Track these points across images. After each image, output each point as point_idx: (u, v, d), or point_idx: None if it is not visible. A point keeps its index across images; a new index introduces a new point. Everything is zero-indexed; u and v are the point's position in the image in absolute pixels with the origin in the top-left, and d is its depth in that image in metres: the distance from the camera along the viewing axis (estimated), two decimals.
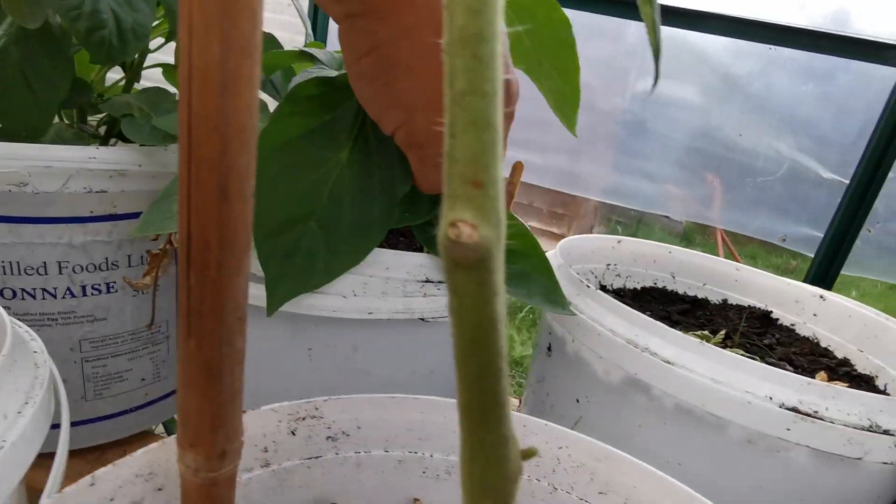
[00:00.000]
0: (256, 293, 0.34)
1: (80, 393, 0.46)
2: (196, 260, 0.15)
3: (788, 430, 0.27)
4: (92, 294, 0.43)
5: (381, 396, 0.25)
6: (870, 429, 0.26)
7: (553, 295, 0.32)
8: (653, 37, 0.31)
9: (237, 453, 0.18)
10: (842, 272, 0.78)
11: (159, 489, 0.20)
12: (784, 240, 0.80)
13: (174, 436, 0.21)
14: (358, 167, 0.30)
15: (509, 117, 0.31)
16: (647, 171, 0.86)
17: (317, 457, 0.25)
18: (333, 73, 0.36)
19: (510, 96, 0.28)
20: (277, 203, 0.29)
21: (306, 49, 0.40)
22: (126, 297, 0.45)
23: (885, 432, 0.27)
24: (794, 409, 0.27)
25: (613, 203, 0.89)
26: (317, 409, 0.24)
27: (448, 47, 0.10)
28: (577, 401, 0.36)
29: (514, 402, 0.63)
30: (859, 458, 0.27)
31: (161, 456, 0.20)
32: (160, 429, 0.63)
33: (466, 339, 0.12)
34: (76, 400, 0.46)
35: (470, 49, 0.09)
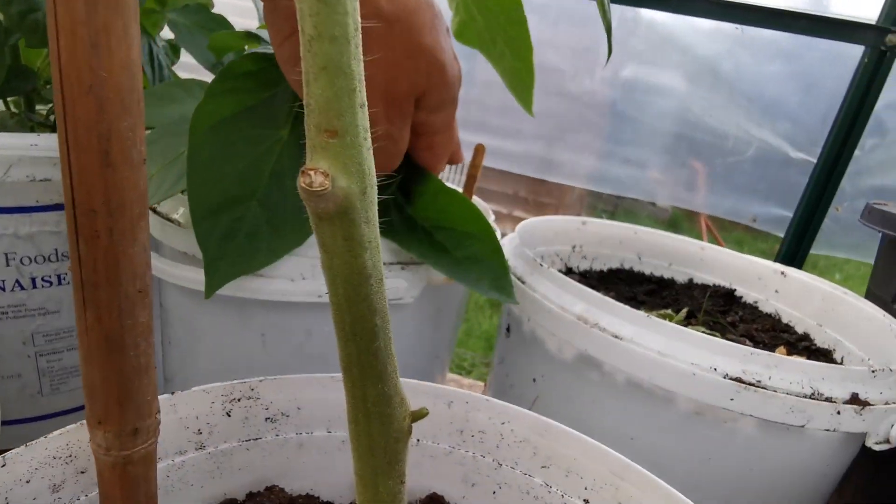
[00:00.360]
0: (201, 277, 0.33)
1: (35, 388, 0.45)
2: (83, 227, 0.14)
3: (732, 400, 0.27)
4: (42, 286, 0.42)
5: (321, 376, 0.25)
6: (812, 396, 0.26)
7: (501, 281, 0.32)
8: (604, 16, 0.31)
9: (151, 431, 0.17)
10: (811, 252, 0.78)
11: (81, 472, 0.19)
12: (755, 220, 0.80)
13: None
14: (299, 145, 0.29)
15: (452, 102, 0.31)
16: (624, 156, 0.86)
17: (256, 438, 0.24)
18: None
19: (446, 81, 0.28)
20: (215, 183, 0.28)
21: (254, 31, 0.39)
22: None
23: (827, 399, 0.27)
24: (738, 380, 0.27)
25: (593, 189, 0.89)
26: (252, 389, 0.24)
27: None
28: (534, 380, 0.36)
29: (480, 384, 0.62)
30: (802, 426, 0.27)
31: (81, 437, 0.20)
32: None
33: (339, 295, 0.11)
34: (31, 395, 0.45)
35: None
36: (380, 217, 0.11)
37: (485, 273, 0.32)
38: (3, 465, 0.17)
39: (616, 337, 0.30)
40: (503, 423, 0.25)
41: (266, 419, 0.25)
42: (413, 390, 0.26)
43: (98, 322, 0.15)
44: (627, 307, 0.31)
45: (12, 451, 0.18)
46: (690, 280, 0.55)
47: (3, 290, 0.41)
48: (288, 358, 0.36)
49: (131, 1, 0.13)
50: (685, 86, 0.79)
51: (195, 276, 0.34)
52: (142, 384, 0.17)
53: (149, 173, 0.32)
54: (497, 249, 0.33)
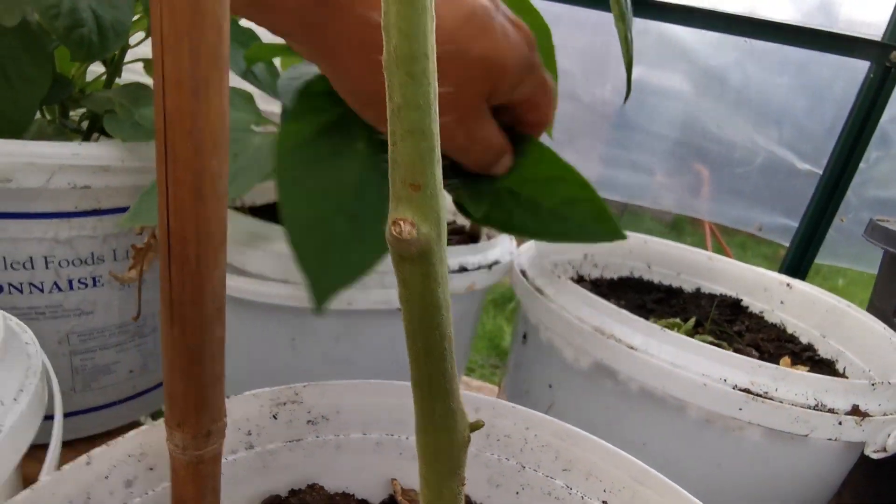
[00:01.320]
0: (238, 285, 0.35)
1: (69, 385, 0.47)
2: (176, 254, 0.16)
3: (741, 409, 0.29)
4: (78, 288, 0.44)
5: (360, 382, 0.27)
6: (815, 407, 0.28)
7: (602, 218, 0.31)
8: (626, 53, 0.32)
9: (221, 433, 0.19)
10: (816, 261, 0.80)
11: (151, 468, 0.21)
12: (761, 229, 0.82)
13: (163, 419, 0.22)
14: (375, 156, 0.30)
15: (528, 69, 0.29)
16: (632, 162, 0.88)
17: (298, 440, 0.26)
18: None
19: (508, 69, 0.27)
20: (304, 200, 0.28)
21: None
22: (112, 291, 0.46)
23: (830, 410, 0.28)
24: (747, 391, 0.28)
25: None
26: (296, 394, 0.26)
27: (386, 67, 0.11)
28: (550, 386, 0.38)
29: (494, 388, 0.64)
30: (806, 435, 0.29)
31: (151, 438, 0.21)
32: (148, 420, 0.63)
33: (414, 323, 0.13)
34: (65, 392, 0.47)
35: (404, 68, 0.11)
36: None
37: (586, 215, 0.31)
38: (89, 464, 0.19)
39: (631, 348, 0.32)
40: (527, 429, 0.27)
41: (308, 422, 0.26)
42: None
43: (182, 336, 0.17)
44: (642, 320, 0.32)
45: (96, 450, 0.20)
46: (698, 289, 0.57)
47: (42, 291, 0.43)
48: (317, 362, 0.38)
49: (225, 56, 0.15)
50: (693, 95, 0.80)
51: (233, 284, 0.36)
52: (215, 391, 0.18)
53: None
54: (586, 185, 0.32)
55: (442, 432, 0.13)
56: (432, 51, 0.11)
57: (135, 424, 0.53)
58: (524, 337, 0.41)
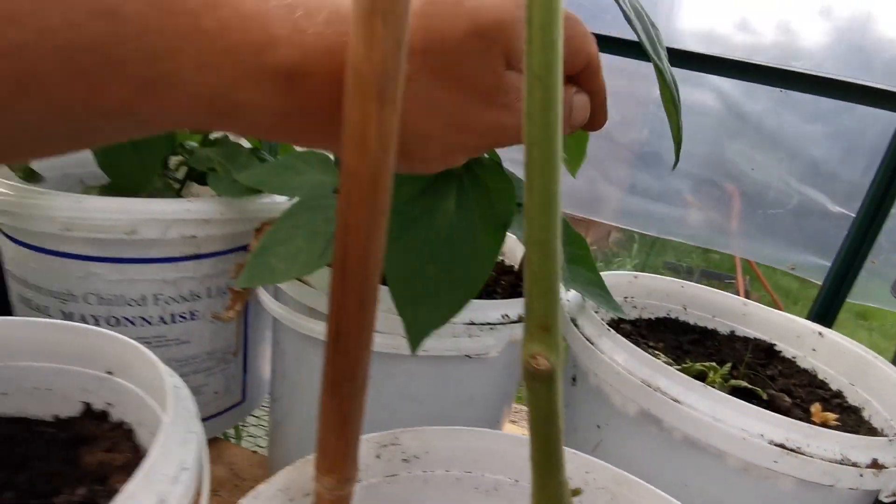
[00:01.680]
0: (309, 325, 0.40)
1: None
2: (339, 347, 0.21)
3: (776, 462, 0.33)
4: (179, 321, 0.51)
5: (446, 428, 0.32)
6: (841, 462, 0.32)
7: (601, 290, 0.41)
8: (675, 134, 0.37)
9: (355, 477, 0.24)
10: (847, 300, 0.82)
11: (290, 500, 0.26)
12: (793, 268, 0.85)
13: (301, 461, 0.28)
14: (463, 213, 0.35)
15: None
16: (664, 198, 0.92)
17: (394, 475, 0.31)
18: None
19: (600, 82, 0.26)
20: (402, 253, 0.34)
21: None
22: (205, 324, 0.52)
23: (853, 464, 0.32)
24: (781, 446, 0.33)
25: (631, 228, 0.94)
26: (396, 438, 0.31)
27: (527, 245, 0.16)
28: (598, 427, 0.42)
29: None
30: (832, 486, 0.33)
31: (295, 476, 0.27)
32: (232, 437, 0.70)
33: (539, 423, 0.18)
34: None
35: (538, 246, 0.16)
36: None
37: (589, 279, 0.39)
38: (256, 497, 0.25)
39: (676, 401, 0.36)
40: (587, 473, 0.32)
41: (402, 460, 0.32)
42: (516, 440, 0.33)
43: (339, 406, 0.22)
44: (687, 376, 0.37)
45: (260, 486, 0.25)
46: (732, 332, 0.60)
47: (150, 324, 0.49)
48: (392, 398, 0.43)
49: (387, 204, 0.20)
50: (725, 136, 0.84)
51: (312, 326, 0.42)
52: (357, 445, 0.24)
53: (297, 246, 0.39)
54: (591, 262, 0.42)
55: (553, 499, 0.18)
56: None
57: (216, 440, 0.60)
58: (574, 379, 0.46)
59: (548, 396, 0.17)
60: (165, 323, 0.50)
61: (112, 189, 0.47)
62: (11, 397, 0.36)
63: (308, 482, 0.28)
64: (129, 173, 0.46)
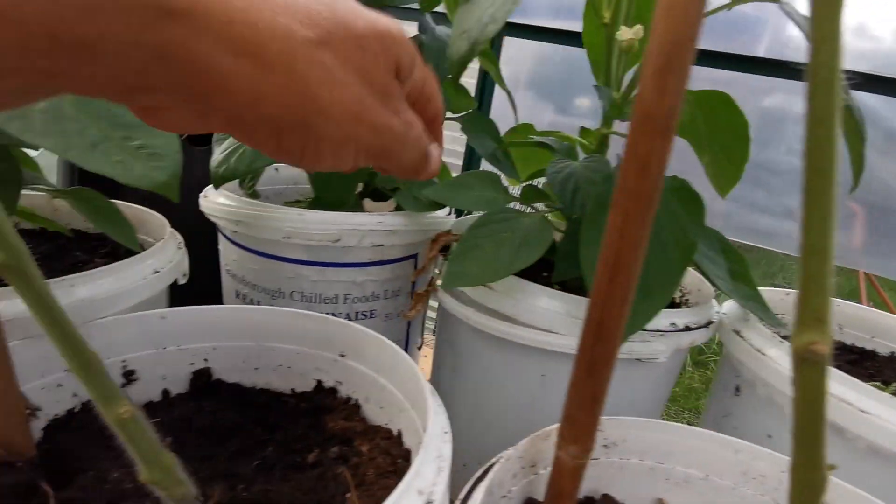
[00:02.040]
0: (505, 329, 0.45)
1: None
2: (602, 335, 0.26)
3: None
4: (361, 318, 0.58)
5: (643, 420, 0.35)
6: None
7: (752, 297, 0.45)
8: (856, 158, 0.38)
9: (593, 449, 0.29)
10: None
11: (532, 465, 0.31)
12: None
13: (534, 436, 0.33)
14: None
15: (440, 99, 0.28)
16: (783, 209, 0.89)
17: (596, 458, 0.35)
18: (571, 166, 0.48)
19: (437, 90, 0.27)
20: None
21: (544, 140, 0.52)
22: (380, 322, 0.59)
23: None
24: None
25: (749, 243, 0.93)
26: (601, 424, 0.35)
27: (803, 251, 0.19)
28: (769, 436, 0.43)
29: None
30: None
31: (533, 446, 0.32)
32: None
33: (808, 403, 0.21)
34: None
35: (815, 259, 0.19)
36: None
37: (749, 294, 0.45)
38: (508, 459, 0.30)
39: (862, 411, 0.37)
40: (782, 472, 0.34)
41: (603, 445, 0.35)
42: (706, 437, 0.36)
43: (593, 385, 0.27)
44: (870, 386, 0.38)
45: (505, 452, 0.30)
46: (892, 353, 0.58)
47: None
48: (562, 396, 0.47)
49: (653, 219, 0.25)
50: (876, 156, 0.81)
51: (492, 324, 0.47)
52: (598, 422, 0.28)
53: (487, 254, 0.45)
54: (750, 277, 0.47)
55: (817, 469, 0.22)
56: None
57: None
58: (737, 389, 0.48)
59: (818, 380, 0.21)
60: (350, 319, 0.57)
61: (316, 204, 0.56)
62: (261, 372, 0.44)
63: (537, 454, 0.33)
64: (334, 190, 0.54)
